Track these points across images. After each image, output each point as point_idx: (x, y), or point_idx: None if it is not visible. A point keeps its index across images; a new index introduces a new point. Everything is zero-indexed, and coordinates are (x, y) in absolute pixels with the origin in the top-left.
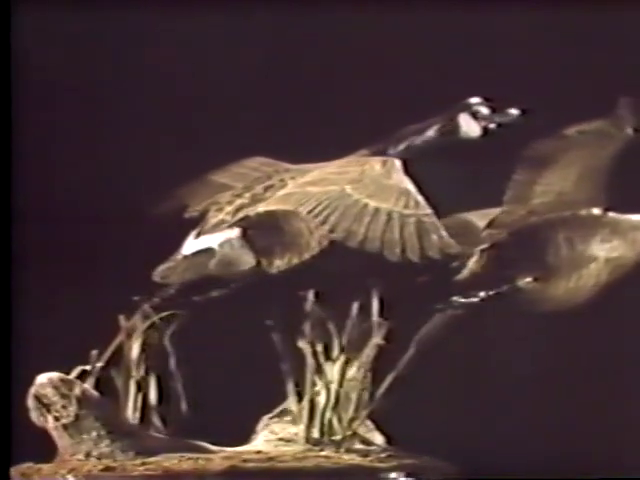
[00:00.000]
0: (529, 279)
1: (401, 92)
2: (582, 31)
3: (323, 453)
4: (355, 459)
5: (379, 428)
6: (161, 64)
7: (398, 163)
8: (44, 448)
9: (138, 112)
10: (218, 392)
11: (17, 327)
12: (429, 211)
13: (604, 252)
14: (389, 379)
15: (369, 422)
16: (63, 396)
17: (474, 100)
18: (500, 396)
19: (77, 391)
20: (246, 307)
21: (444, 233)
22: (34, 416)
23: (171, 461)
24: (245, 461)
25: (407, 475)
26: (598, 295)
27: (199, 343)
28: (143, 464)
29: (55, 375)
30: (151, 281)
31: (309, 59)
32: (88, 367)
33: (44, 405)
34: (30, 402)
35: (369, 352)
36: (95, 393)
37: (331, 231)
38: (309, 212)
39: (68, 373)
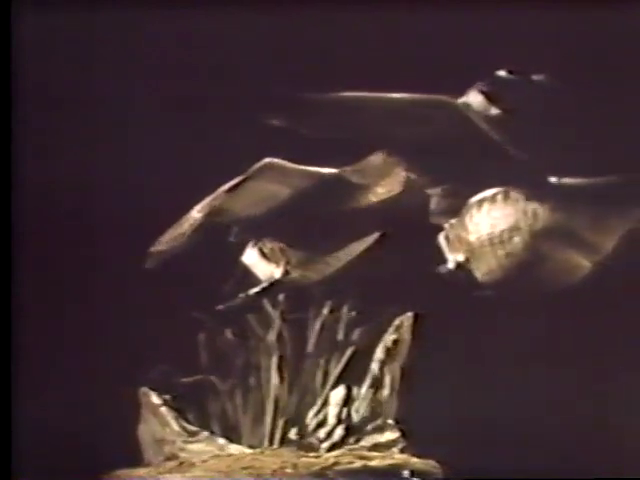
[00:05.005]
0: (459, 259)
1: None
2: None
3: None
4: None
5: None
6: (161, 64)
7: (260, 164)
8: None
9: (138, 112)
10: None
11: (18, 342)
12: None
13: (526, 223)
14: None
15: (390, 420)
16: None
17: (500, 73)
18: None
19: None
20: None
21: (187, 231)
22: None
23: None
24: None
25: (412, 474)
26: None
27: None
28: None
29: (144, 389)
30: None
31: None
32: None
33: None
34: None
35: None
36: (161, 407)
37: None
38: None
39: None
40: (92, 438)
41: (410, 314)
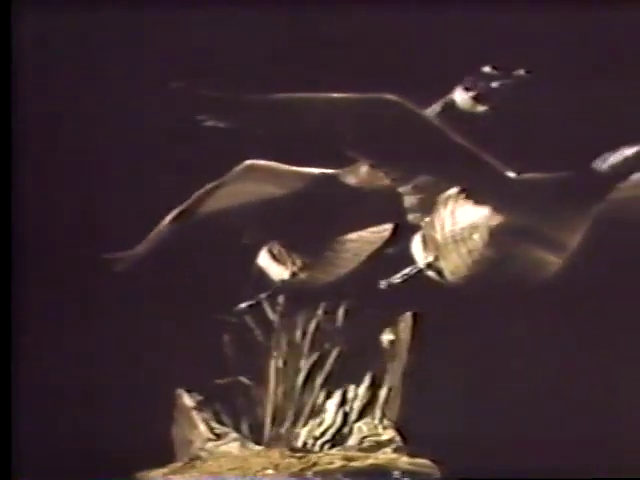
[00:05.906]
0: (429, 259)
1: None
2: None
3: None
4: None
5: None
6: (162, 64)
7: (242, 166)
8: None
9: (138, 112)
10: None
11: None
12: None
13: (484, 220)
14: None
15: (386, 421)
16: None
17: (486, 69)
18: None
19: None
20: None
21: (156, 235)
22: None
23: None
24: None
25: (402, 474)
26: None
27: None
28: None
29: (180, 391)
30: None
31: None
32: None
33: None
34: None
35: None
36: (193, 411)
37: None
38: None
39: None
40: (92, 438)
41: (409, 314)
